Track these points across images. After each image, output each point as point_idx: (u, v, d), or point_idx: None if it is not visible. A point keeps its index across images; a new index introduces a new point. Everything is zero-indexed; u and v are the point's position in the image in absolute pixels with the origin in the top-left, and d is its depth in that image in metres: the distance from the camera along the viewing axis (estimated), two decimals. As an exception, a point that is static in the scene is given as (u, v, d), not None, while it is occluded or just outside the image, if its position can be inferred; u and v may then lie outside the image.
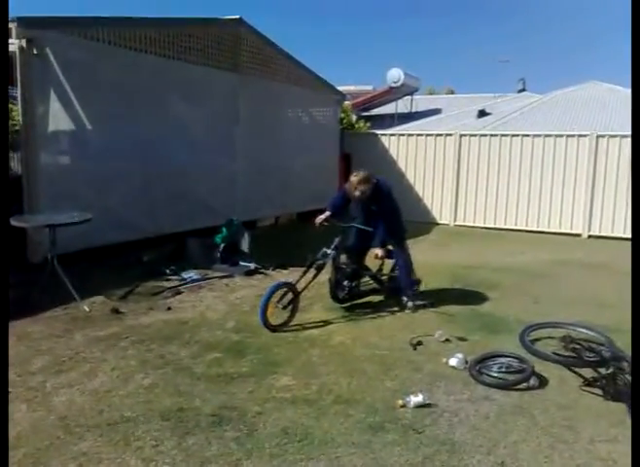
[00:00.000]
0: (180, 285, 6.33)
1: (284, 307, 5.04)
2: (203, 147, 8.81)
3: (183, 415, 3.39)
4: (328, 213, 5.51)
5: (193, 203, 8.46)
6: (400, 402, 3.57)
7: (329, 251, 5.34)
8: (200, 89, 8.72)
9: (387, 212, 5.49)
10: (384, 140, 12.93)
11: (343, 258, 5.66)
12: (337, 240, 5.40)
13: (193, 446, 3.07)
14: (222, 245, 7.37)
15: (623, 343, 4.55)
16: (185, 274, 6.65)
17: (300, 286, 5.21)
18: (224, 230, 7.49)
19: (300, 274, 5.35)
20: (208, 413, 3.42)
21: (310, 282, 5.34)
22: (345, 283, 5.58)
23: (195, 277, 6.61)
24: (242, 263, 7.19)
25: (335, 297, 5.63)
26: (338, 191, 5.81)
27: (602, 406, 3.62)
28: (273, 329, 4.88)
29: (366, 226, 5.49)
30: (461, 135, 12.07)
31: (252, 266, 7.09)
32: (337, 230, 5.56)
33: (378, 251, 5.42)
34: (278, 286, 5.13)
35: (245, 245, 7.54)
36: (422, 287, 6.51)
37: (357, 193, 5.32)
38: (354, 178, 5.38)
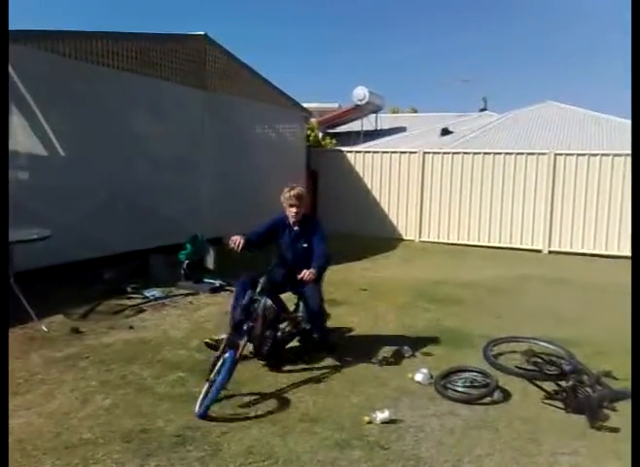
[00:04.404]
0: (142, 303, 6.22)
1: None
2: (168, 163, 8.74)
3: (145, 437, 3.31)
4: (243, 240, 4.45)
5: (156, 220, 8.35)
6: (366, 418, 3.56)
7: (258, 297, 4.25)
8: (165, 106, 8.67)
9: (322, 245, 4.61)
10: (350, 157, 13.05)
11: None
12: (263, 282, 4.28)
13: (154, 468, 2.99)
14: (186, 262, 7.27)
15: (584, 357, 4.66)
16: (147, 292, 6.53)
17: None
18: (188, 246, 7.39)
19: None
20: (171, 434, 3.34)
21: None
22: (267, 333, 4.35)
23: (158, 295, 6.51)
24: (207, 280, 7.11)
25: (259, 354, 4.45)
26: (268, 220, 4.80)
27: (564, 418, 3.68)
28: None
29: (293, 267, 4.54)
30: (425, 153, 12.27)
31: (217, 283, 7.02)
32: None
33: (312, 271, 4.32)
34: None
35: (210, 262, 7.46)
36: (386, 308, 6.54)
37: (293, 211, 4.62)
38: (291, 192, 4.63)
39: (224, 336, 4.30)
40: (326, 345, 4.74)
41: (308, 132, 14.79)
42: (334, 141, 17.57)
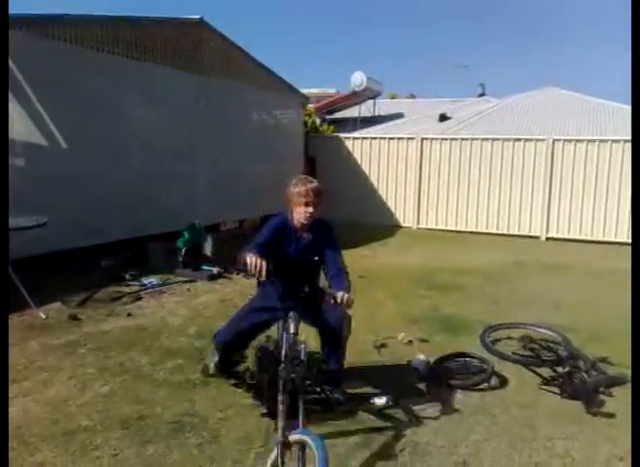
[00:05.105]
0: (140, 291, 6.21)
1: None
2: (164, 149, 8.68)
3: (143, 423, 3.32)
4: (259, 258, 2.99)
5: (154, 207, 8.31)
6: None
7: (301, 347, 3.06)
8: (161, 91, 8.59)
9: (341, 259, 3.51)
10: (348, 143, 13.00)
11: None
12: (294, 318, 3.11)
13: (153, 454, 3.00)
14: (184, 249, 7.27)
15: (580, 342, 4.69)
16: (145, 280, 6.53)
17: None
18: (185, 233, 7.38)
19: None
20: (169, 421, 3.35)
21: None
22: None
23: (155, 282, 6.50)
24: (205, 267, 7.11)
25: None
26: (270, 224, 3.49)
27: (560, 404, 3.70)
28: None
29: (300, 287, 3.27)
30: (423, 139, 12.22)
31: (215, 270, 7.01)
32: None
33: (344, 294, 3.15)
34: None
35: (208, 249, 7.45)
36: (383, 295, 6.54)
37: (309, 210, 3.34)
38: (309, 185, 3.36)
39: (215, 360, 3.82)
40: (334, 390, 3.49)
41: (306, 118, 14.72)
42: (332, 127, 17.48)
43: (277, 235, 3.41)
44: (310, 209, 3.34)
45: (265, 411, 3.30)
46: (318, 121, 17.64)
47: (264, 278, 3.00)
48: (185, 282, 6.69)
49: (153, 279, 6.58)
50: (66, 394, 3.68)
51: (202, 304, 5.93)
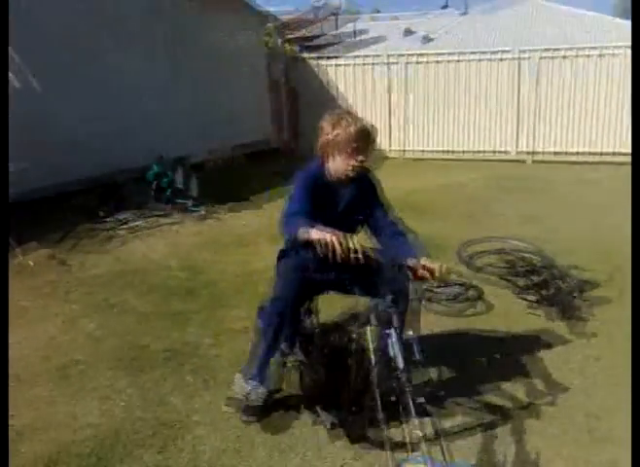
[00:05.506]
0: (116, 227, 6.15)
1: None
2: (125, 79, 8.27)
3: (135, 354, 3.37)
4: (321, 229, 2.27)
5: (120, 141, 8.02)
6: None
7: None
8: (113, 12, 8.03)
9: (390, 211, 2.86)
10: (312, 65, 12.62)
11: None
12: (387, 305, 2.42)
13: (148, 382, 3.06)
14: (154, 183, 7.13)
15: (552, 252, 4.82)
16: (120, 215, 6.44)
17: None
18: (155, 166, 7.21)
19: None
20: (161, 350, 3.41)
21: None
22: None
23: (130, 218, 6.43)
24: (178, 200, 7.03)
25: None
26: (302, 183, 2.63)
27: (546, 327, 3.67)
28: None
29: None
30: (389, 55, 11.91)
31: (189, 202, 6.97)
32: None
33: (441, 265, 2.48)
34: None
35: (179, 182, 7.33)
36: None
37: (359, 158, 2.57)
38: (359, 125, 2.56)
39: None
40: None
41: (266, 38, 14.14)
42: (295, 48, 16.88)
43: (314, 195, 2.58)
44: (360, 157, 2.57)
45: (335, 421, 2.60)
46: (280, 41, 16.97)
47: (338, 260, 2.22)
48: (159, 216, 6.61)
49: (127, 215, 6.50)
50: (54, 332, 3.70)
51: (179, 237, 5.95)
